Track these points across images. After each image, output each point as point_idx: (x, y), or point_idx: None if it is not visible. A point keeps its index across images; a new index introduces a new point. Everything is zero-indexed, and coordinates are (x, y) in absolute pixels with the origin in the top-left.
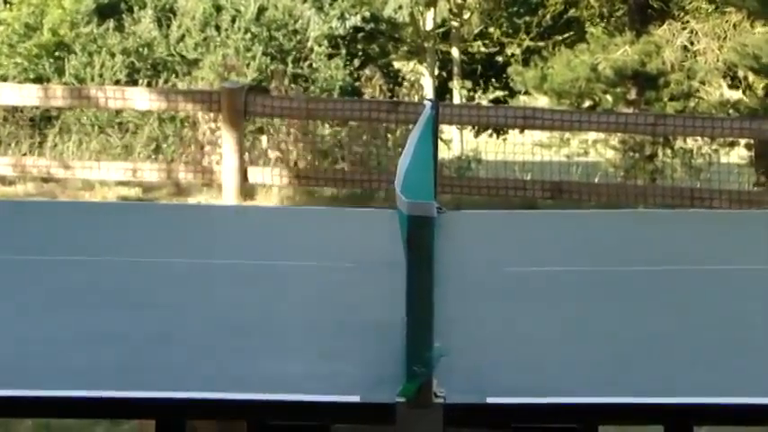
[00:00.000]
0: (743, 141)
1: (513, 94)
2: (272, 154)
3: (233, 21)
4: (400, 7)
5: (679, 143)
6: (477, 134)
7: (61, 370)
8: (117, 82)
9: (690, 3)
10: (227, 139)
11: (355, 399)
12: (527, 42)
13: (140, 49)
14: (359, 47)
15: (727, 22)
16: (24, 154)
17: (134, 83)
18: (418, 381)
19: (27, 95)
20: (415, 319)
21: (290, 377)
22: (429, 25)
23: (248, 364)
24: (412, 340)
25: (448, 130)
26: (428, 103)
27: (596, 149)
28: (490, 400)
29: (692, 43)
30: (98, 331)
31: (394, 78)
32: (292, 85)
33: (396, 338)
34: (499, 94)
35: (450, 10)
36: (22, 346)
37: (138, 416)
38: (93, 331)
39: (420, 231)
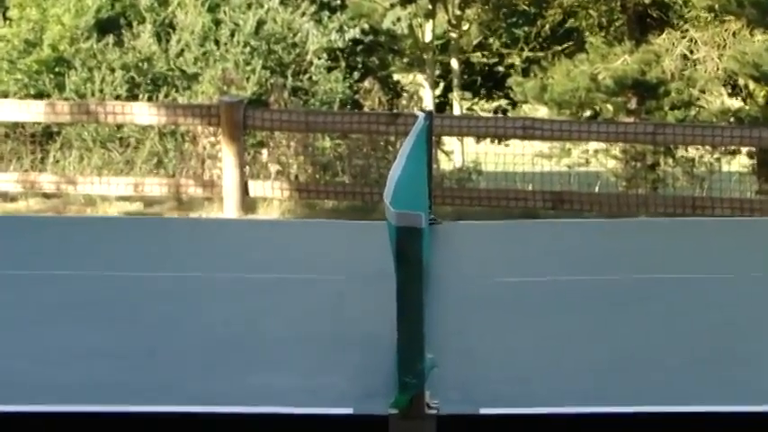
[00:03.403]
0: (744, 150)
1: (514, 104)
2: (273, 167)
3: (232, 35)
4: (399, 19)
5: (680, 152)
6: (478, 140)
7: (49, 385)
8: (117, 97)
9: (689, 11)
10: (228, 152)
11: (348, 411)
12: (526, 53)
13: (140, 64)
14: (358, 59)
15: (726, 30)
16: (26, 170)
17: (134, 98)
18: (410, 392)
19: (31, 111)
20: (406, 330)
21: (283, 390)
22: (428, 37)
23: (240, 377)
24: (403, 351)
25: (449, 142)
26: (421, 115)
27: (597, 159)
28: (483, 410)
29: (691, 52)
30: (88, 346)
31: (394, 90)
32: (292, 99)
33: (388, 350)
34: (499, 104)
35: (449, 21)
36: (11, 361)
37: (127, 430)
38: (84, 346)
39: (408, 242)
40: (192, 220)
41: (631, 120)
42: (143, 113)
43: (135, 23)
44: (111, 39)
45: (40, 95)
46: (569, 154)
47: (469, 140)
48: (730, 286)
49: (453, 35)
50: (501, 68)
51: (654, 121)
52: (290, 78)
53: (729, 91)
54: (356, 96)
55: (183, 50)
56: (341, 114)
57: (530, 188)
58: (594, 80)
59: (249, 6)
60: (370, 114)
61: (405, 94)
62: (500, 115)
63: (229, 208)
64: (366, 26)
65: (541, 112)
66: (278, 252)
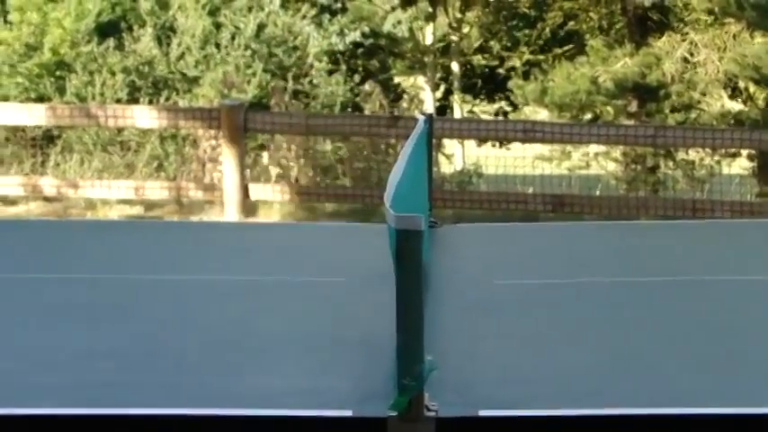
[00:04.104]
0: (745, 152)
1: (514, 107)
2: (274, 170)
3: (233, 38)
4: (399, 22)
5: (681, 155)
6: (479, 144)
7: (48, 387)
8: (118, 100)
9: (689, 14)
10: (228, 156)
11: (347, 413)
12: (527, 55)
13: (141, 68)
14: (359, 62)
15: (726, 32)
16: (27, 173)
17: (135, 101)
18: (409, 394)
19: (32, 115)
20: (405, 332)
21: (283, 392)
22: (429, 40)
23: (240, 379)
24: (402, 354)
25: (449, 144)
26: (422, 117)
27: (598, 162)
28: (482, 413)
29: (691, 54)
30: (86, 348)
31: (394, 93)
32: (293, 102)
33: (387, 352)
34: (500, 106)
35: (450, 24)
36: (10, 363)
37: None
38: (81, 348)
39: (408, 245)
40: (193, 224)
41: (632, 122)
42: (144, 117)
43: (136, 27)
44: (111, 42)
45: (40, 99)
46: (570, 157)
47: (470, 143)
48: (732, 289)
49: (454, 38)
50: (501, 71)
51: (654, 123)
52: (290, 81)
53: (730, 93)
54: (357, 99)
55: (183, 54)
56: (341, 117)
57: (530, 191)
58: (595, 83)
59: (250, 9)
60: (370, 117)
61: (405, 97)
62: (500, 118)
63: (230, 211)
64: (366, 29)
65: (542, 114)
66: (278, 255)
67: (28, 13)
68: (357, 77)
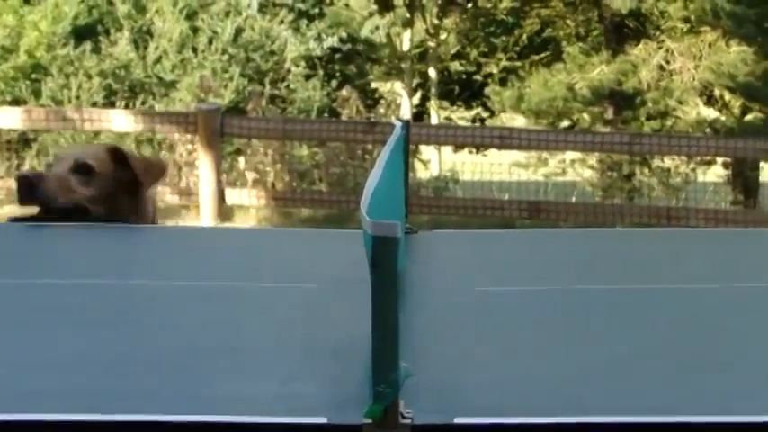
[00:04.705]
0: (720, 160)
1: (491, 113)
2: (250, 175)
3: (210, 42)
4: (377, 28)
5: (656, 162)
6: (456, 150)
7: (25, 393)
8: (94, 104)
9: (665, 22)
10: (205, 160)
11: (322, 420)
12: (504, 62)
13: (117, 71)
14: (336, 67)
15: (702, 41)
16: (2, 177)
17: (111, 105)
18: (384, 401)
19: (7, 118)
20: (381, 339)
21: (256, 399)
22: (406, 45)
23: (212, 385)
24: (377, 360)
25: (426, 150)
26: (398, 123)
27: (574, 169)
28: (458, 420)
29: (667, 62)
30: (63, 353)
31: (371, 99)
32: (270, 106)
33: (362, 359)
34: (477, 112)
35: (427, 30)
36: None
37: None
38: (59, 353)
39: (384, 251)
40: (168, 228)
41: (608, 130)
42: (120, 120)
43: (112, 30)
44: (88, 45)
45: (16, 102)
46: (546, 163)
47: (447, 149)
48: (708, 296)
49: (431, 44)
50: (479, 77)
51: (630, 131)
52: (267, 86)
53: (705, 101)
54: (334, 105)
55: (160, 58)
56: (318, 122)
57: (506, 197)
58: (571, 90)
59: (227, 14)
60: (347, 122)
61: (382, 103)
62: (477, 124)
63: (206, 216)
64: (344, 34)
65: (519, 121)
66: (249, 261)
67: (4, 15)
68: (334, 83)
